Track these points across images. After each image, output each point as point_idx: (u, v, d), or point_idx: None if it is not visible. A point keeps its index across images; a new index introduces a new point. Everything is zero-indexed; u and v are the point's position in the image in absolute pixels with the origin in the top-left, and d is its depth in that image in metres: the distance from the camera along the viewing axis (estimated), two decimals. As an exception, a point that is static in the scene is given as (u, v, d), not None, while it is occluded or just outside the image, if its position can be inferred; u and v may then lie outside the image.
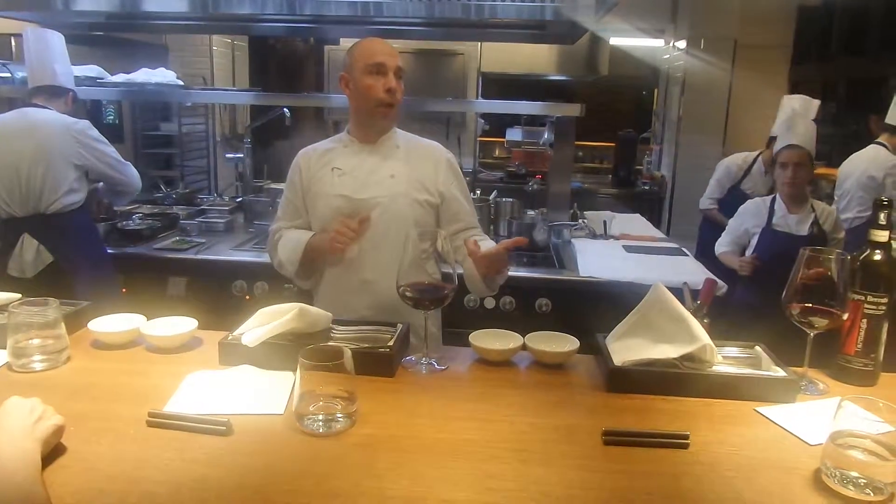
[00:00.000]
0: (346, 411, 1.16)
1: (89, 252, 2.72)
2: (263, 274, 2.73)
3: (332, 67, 5.42)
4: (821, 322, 1.34)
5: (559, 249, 3.16)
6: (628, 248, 3.24)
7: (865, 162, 3.60)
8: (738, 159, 4.22)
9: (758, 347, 1.47)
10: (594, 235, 3.45)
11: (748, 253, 3.01)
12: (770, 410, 1.26)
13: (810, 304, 1.34)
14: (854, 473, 0.98)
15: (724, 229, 3.25)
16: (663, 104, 6.46)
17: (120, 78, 3.64)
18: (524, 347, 1.48)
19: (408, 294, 1.46)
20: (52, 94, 2.69)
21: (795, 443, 1.15)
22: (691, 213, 4.93)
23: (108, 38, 4.07)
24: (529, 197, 4.73)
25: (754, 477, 1.04)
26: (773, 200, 3.03)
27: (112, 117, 4.45)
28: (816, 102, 3.78)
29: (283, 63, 6.53)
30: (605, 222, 3.53)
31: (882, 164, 3.49)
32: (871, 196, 3.37)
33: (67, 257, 2.61)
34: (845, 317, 1.36)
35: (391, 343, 1.45)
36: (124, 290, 2.79)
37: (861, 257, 1.42)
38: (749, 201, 3.18)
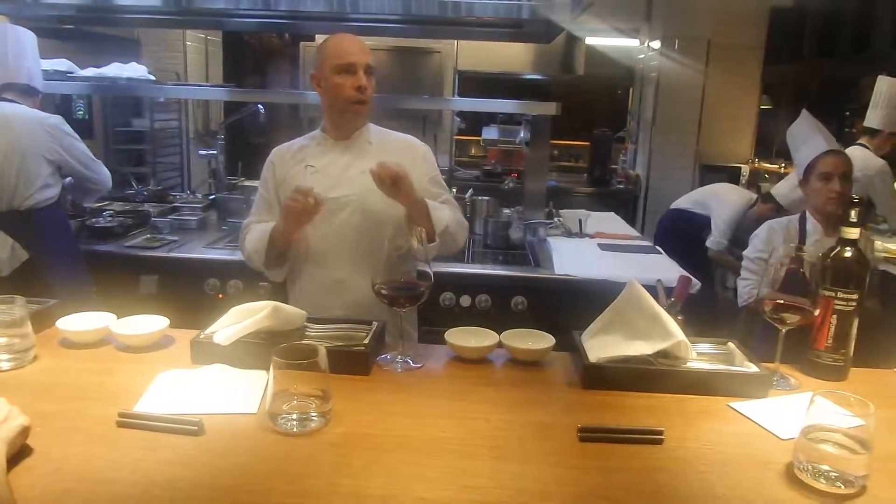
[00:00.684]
0: (321, 410, 1.15)
1: (64, 248, 2.67)
2: (237, 272, 2.70)
3: (307, 64, 5.38)
4: (792, 318, 1.36)
5: (535, 248, 3.17)
6: (603, 247, 3.26)
7: None
8: (743, 199, 4.10)
9: (731, 343, 1.49)
10: (569, 234, 3.47)
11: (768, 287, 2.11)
12: (743, 406, 1.27)
13: (782, 301, 1.36)
14: (825, 467, 0.99)
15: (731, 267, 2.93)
16: (638, 104, 6.51)
17: (90, 72, 3.58)
18: (500, 345, 1.48)
19: (383, 292, 1.45)
20: (23, 92, 2.66)
21: (768, 437, 1.17)
22: (664, 211, 4.98)
23: (78, 32, 4.00)
24: (505, 195, 4.74)
25: (728, 472, 1.05)
26: (803, 221, 2.47)
27: (82, 112, 4.37)
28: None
29: (257, 59, 6.47)
30: (580, 221, 3.55)
31: (863, 165, 3.55)
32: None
33: (42, 254, 2.56)
34: (816, 313, 1.38)
35: (366, 341, 1.44)
36: (94, 288, 2.74)
37: (832, 254, 1.44)
38: (772, 222, 2.57)
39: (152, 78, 3.91)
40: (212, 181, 3.95)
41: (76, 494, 0.93)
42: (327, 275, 1.91)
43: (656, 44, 5.90)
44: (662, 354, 1.36)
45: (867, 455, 0.98)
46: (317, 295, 1.92)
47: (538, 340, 1.49)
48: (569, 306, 2.59)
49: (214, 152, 3.60)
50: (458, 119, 6.21)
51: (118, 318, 1.51)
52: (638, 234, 3.86)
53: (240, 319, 1.42)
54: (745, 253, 2.56)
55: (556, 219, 3.55)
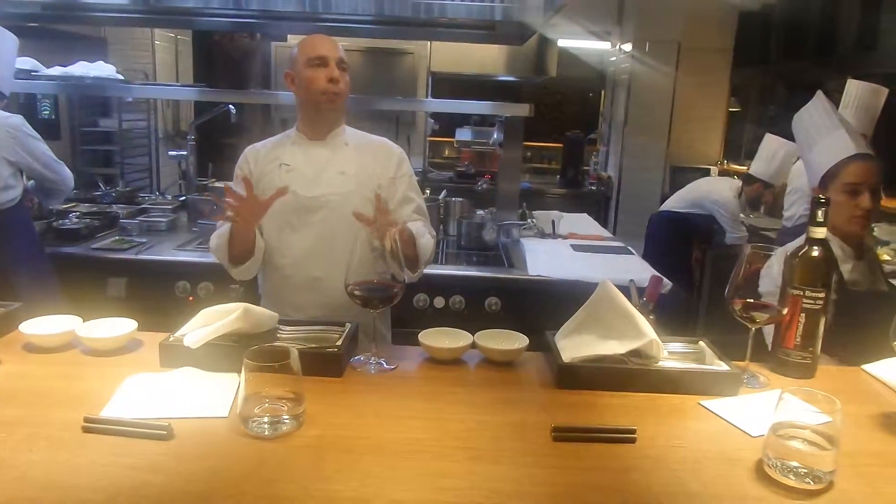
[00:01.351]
0: (293, 413, 1.14)
1: (27, 250, 2.60)
2: (208, 274, 2.66)
3: (279, 64, 5.33)
4: (762, 317, 1.37)
5: (508, 249, 3.18)
6: (576, 247, 3.28)
7: None
8: (733, 188, 4.24)
9: (701, 343, 1.50)
10: (543, 235, 3.48)
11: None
12: (714, 404, 1.29)
13: (752, 300, 1.38)
14: (794, 463, 1.01)
15: None
16: (610, 106, 6.57)
17: (56, 71, 3.51)
18: (474, 346, 1.48)
19: (356, 293, 1.44)
20: None
21: (738, 435, 1.18)
22: (637, 213, 5.04)
23: (43, 30, 3.91)
24: (479, 197, 4.75)
25: (699, 469, 1.06)
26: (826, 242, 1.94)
27: (48, 112, 4.29)
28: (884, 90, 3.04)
29: (228, 59, 6.39)
30: (553, 222, 3.56)
31: None
32: None
33: (4, 256, 2.50)
34: (785, 311, 1.40)
35: (339, 343, 1.43)
36: (60, 291, 2.68)
37: (800, 253, 1.46)
38: (787, 249, 1.86)
39: (120, 77, 3.84)
40: (182, 182, 3.90)
41: (41, 503, 0.91)
42: (301, 274, 1.90)
43: (627, 46, 5.96)
44: (635, 354, 1.37)
45: (835, 451, 1.00)
46: (291, 294, 1.91)
47: (512, 341, 1.49)
48: (542, 307, 2.60)
49: (184, 153, 3.55)
50: (432, 120, 6.20)
51: (85, 321, 1.48)
52: (610, 234, 3.89)
53: (210, 322, 1.40)
54: (760, 290, 1.65)
55: (529, 220, 3.57)
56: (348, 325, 1.52)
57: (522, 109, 3.09)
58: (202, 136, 3.70)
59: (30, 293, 2.23)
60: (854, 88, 3.37)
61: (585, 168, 6.62)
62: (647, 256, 3.97)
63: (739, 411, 1.25)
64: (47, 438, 1.07)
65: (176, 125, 5.54)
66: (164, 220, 3.27)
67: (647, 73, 5.79)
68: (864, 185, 1.80)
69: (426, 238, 1.89)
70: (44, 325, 1.46)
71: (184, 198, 3.64)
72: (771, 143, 4.08)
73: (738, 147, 6.43)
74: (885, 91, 2.89)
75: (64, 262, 2.73)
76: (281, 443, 1.09)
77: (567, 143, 6.50)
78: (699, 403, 1.29)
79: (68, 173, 2.79)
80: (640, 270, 2.85)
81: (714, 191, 4.33)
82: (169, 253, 2.84)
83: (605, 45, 6.50)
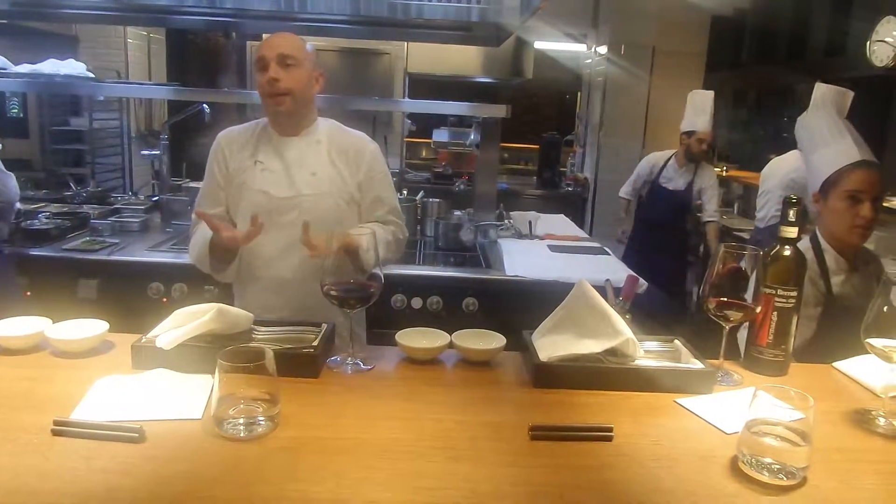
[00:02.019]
0: (268, 414, 1.12)
1: None
2: (182, 275, 2.62)
3: (253, 63, 5.29)
4: (735, 315, 1.39)
5: (486, 249, 3.18)
6: (553, 248, 3.30)
7: (788, 165, 3.80)
8: (659, 158, 4.55)
9: (677, 341, 1.51)
10: (520, 235, 3.49)
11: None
12: (689, 401, 1.30)
13: (725, 299, 1.39)
14: (768, 459, 1.02)
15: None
16: (586, 107, 6.61)
17: (25, 68, 3.45)
18: (451, 345, 1.48)
19: (332, 293, 1.43)
20: None
21: (713, 432, 1.19)
22: (613, 214, 5.08)
23: (12, 27, 3.84)
24: (456, 197, 4.75)
25: (675, 466, 1.06)
26: (818, 250, 1.89)
27: (16, 110, 4.21)
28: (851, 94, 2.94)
29: (202, 57, 6.33)
30: (530, 222, 3.58)
31: (803, 169, 3.68)
32: None
33: None
34: (758, 310, 1.41)
35: (315, 343, 1.42)
36: (28, 293, 2.63)
37: (772, 252, 1.48)
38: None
39: (91, 75, 3.78)
40: (155, 182, 3.85)
41: (7, 507, 0.89)
42: (275, 275, 1.88)
43: (603, 49, 6.01)
44: (611, 352, 1.38)
45: (808, 447, 1.01)
46: (265, 295, 1.89)
47: (489, 340, 1.49)
48: (519, 307, 2.61)
49: (158, 153, 3.50)
50: (409, 121, 6.20)
51: (54, 322, 1.45)
52: (587, 235, 3.91)
53: (183, 323, 1.38)
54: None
55: (506, 221, 3.58)
56: (324, 326, 1.51)
57: (499, 110, 3.10)
58: (176, 136, 3.65)
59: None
60: (822, 91, 3.43)
61: (562, 169, 6.66)
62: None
63: (714, 409, 1.26)
64: (14, 442, 1.04)
65: (149, 124, 5.47)
66: (137, 220, 3.22)
67: (622, 75, 5.85)
68: (866, 193, 1.78)
69: (383, 245, 1.83)
70: (11, 327, 1.43)
71: (157, 198, 3.59)
72: (694, 97, 4.38)
73: (712, 148, 6.51)
74: (850, 93, 2.96)
75: (33, 263, 2.67)
76: (256, 444, 1.08)
77: (544, 144, 6.54)
78: (675, 401, 1.30)
79: (14, 185, 2.70)
80: (616, 270, 2.87)
81: (651, 155, 4.68)
82: (142, 254, 2.80)
83: (581, 48, 6.55)
